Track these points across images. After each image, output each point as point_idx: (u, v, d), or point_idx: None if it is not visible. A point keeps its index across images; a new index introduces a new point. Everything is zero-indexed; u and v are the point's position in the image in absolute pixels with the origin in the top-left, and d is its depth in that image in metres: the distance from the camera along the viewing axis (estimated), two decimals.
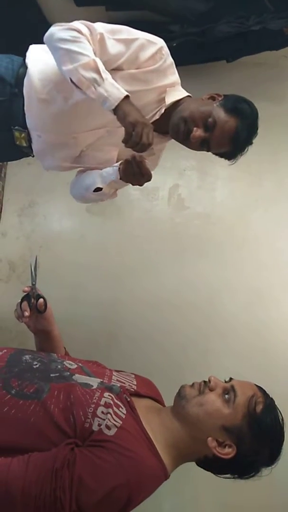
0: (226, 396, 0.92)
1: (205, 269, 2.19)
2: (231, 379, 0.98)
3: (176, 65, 1.23)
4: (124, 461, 0.80)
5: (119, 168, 1.21)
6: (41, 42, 1.14)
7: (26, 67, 1.20)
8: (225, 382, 0.97)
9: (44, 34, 1.11)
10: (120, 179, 1.21)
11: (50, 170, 1.38)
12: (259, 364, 1.97)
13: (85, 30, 1.08)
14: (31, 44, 1.25)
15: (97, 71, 1.04)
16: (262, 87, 2.38)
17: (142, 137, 1.02)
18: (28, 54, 1.23)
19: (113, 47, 1.12)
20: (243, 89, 2.28)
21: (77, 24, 1.09)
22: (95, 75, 1.04)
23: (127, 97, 1.05)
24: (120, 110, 1.04)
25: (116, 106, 1.04)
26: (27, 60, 1.21)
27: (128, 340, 2.11)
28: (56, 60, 1.10)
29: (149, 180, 1.14)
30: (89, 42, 1.08)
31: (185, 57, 1.95)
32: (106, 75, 1.05)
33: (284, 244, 2.21)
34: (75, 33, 1.07)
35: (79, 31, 1.07)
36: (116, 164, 1.23)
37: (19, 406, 0.85)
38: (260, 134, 1.25)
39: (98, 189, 1.29)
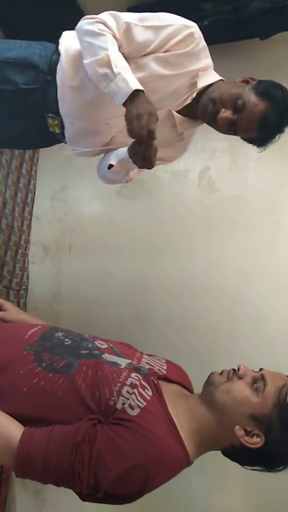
0: (255, 385, 0.91)
1: (235, 253, 2.15)
2: (261, 369, 0.96)
3: (208, 44, 1.21)
4: (144, 442, 0.80)
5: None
6: (74, 29, 1.15)
7: (59, 54, 1.21)
8: (255, 372, 0.96)
9: (76, 20, 1.13)
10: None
11: (82, 156, 1.40)
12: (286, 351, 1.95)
13: (111, 21, 1.09)
14: (64, 30, 1.25)
15: (109, 67, 1.05)
16: None
17: (143, 127, 1.00)
18: (61, 41, 1.23)
19: (141, 35, 1.12)
20: (277, 67, 2.23)
21: (104, 16, 1.10)
22: (107, 71, 1.05)
23: (137, 91, 1.03)
24: (128, 104, 1.05)
25: (125, 101, 1.05)
26: (60, 47, 1.22)
27: (157, 324, 2.12)
28: (82, 52, 1.14)
29: (148, 168, 1.10)
30: (113, 35, 1.09)
31: (217, 36, 1.90)
32: (119, 69, 1.05)
33: None
34: (100, 26, 1.08)
35: (105, 23, 1.08)
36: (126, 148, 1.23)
37: (48, 379, 0.88)
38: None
39: (110, 167, 1.30)
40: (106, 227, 2.37)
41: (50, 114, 1.26)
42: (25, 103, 1.23)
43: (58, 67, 1.21)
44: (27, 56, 1.21)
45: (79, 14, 1.14)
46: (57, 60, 1.21)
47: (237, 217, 2.22)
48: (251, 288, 2.10)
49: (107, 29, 1.08)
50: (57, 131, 1.29)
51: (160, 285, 2.20)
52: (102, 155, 1.42)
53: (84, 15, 1.13)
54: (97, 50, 1.06)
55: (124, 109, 1.22)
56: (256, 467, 0.93)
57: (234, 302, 2.09)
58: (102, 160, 1.39)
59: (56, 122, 1.26)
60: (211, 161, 2.35)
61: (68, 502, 1.98)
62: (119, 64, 1.06)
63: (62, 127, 1.28)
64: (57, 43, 1.24)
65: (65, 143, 1.37)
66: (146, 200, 2.34)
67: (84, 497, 0.83)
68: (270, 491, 1.84)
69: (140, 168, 1.13)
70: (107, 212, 2.42)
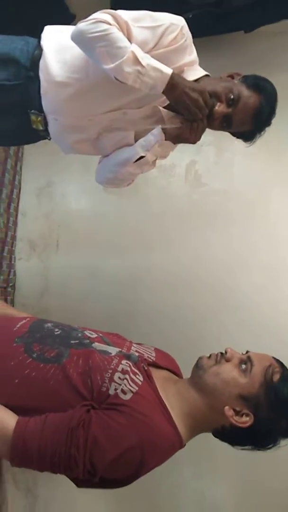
0: (243, 366, 0.94)
1: (223, 246, 2.18)
2: (247, 351, 0.99)
3: (193, 37, 1.21)
4: (138, 424, 0.82)
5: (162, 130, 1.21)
6: (56, 23, 1.13)
7: (41, 49, 1.19)
8: (242, 354, 0.98)
9: (59, 14, 1.10)
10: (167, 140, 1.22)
11: (68, 153, 1.39)
12: (273, 343, 1.97)
13: (111, 19, 1.07)
14: (46, 25, 1.23)
15: (138, 63, 1.04)
16: (282, 57, 2.30)
17: (200, 105, 1.09)
18: (43, 35, 1.21)
19: (139, 35, 1.11)
20: (262, 59, 2.24)
21: (101, 15, 1.07)
22: (137, 67, 1.05)
23: (173, 74, 1.07)
24: (170, 91, 1.07)
25: (164, 89, 1.07)
26: (42, 42, 1.20)
27: (146, 318, 2.14)
28: (93, 59, 1.10)
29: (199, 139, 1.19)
30: (118, 30, 1.07)
31: (202, 28, 1.88)
32: (146, 60, 1.05)
33: None
34: (104, 26, 1.05)
35: (106, 22, 1.06)
36: (156, 130, 1.22)
37: (40, 369, 0.89)
38: (279, 108, 1.22)
39: (139, 159, 1.27)
40: (94, 222, 2.37)
41: (33, 111, 1.24)
42: (7, 100, 1.21)
43: (41, 62, 1.19)
44: (9, 51, 1.19)
45: (63, 8, 1.10)
46: (40, 56, 1.19)
47: (224, 210, 2.25)
48: (237, 277, 2.13)
49: (111, 26, 1.06)
50: (41, 127, 1.28)
51: (149, 279, 2.22)
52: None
53: (68, 9, 1.11)
54: (118, 51, 1.04)
55: (109, 106, 1.21)
56: (246, 446, 0.95)
57: (222, 292, 2.12)
58: (108, 161, 1.35)
59: (39, 118, 1.25)
60: (198, 155, 2.36)
61: (60, 498, 1.99)
62: (143, 55, 1.06)
63: (45, 123, 1.27)
64: (39, 38, 1.22)
65: (50, 139, 1.36)
66: (133, 195, 2.33)
67: (80, 483, 0.84)
68: (260, 481, 1.87)
69: (194, 142, 1.20)
70: (94, 208, 2.41)
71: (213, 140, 2.33)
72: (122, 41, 1.05)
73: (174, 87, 1.07)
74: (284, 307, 2.08)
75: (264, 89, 1.16)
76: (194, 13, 1.87)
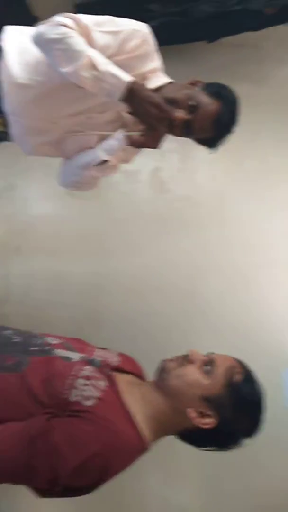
0: (206, 367, 0.94)
1: (187, 251, 2.20)
2: (211, 353, 0.99)
3: (157, 46, 1.21)
4: (100, 430, 0.81)
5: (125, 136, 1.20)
6: (18, 23, 1.11)
7: (1, 50, 1.16)
8: (205, 356, 0.99)
9: (20, 16, 1.08)
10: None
11: (30, 155, 1.36)
12: (240, 345, 1.99)
13: (71, 23, 1.06)
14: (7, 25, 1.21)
15: (95, 68, 1.03)
16: (242, 68, 2.37)
17: (159, 119, 1.08)
18: (3, 36, 1.19)
19: (101, 40, 1.10)
20: (223, 69, 2.29)
21: (62, 18, 1.06)
22: (94, 72, 1.03)
23: (130, 82, 1.05)
24: (128, 98, 1.06)
25: (121, 96, 1.05)
26: (2, 43, 1.17)
27: (111, 324, 2.12)
28: (51, 61, 1.08)
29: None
30: (79, 35, 1.06)
31: (165, 37, 1.91)
32: (104, 66, 1.04)
33: (267, 225, 2.22)
34: (63, 29, 1.04)
35: (66, 26, 1.05)
36: (117, 134, 1.21)
37: None
38: (240, 118, 1.24)
39: (102, 163, 1.26)
40: (57, 227, 2.33)
41: None
42: None
43: (1, 64, 1.16)
44: None
45: (25, 10, 1.08)
46: None
47: (188, 216, 2.27)
48: (202, 284, 2.15)
49: (71, 30, 1.05)
50: (1, 129, 1.24)
51: (113, 285, 2.20)
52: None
53: (30, 11, 1.09)
54: (75, 55, 1.03)
55: (73, 109, 1.20)
56: (210, 448, 0.95)
57: (185, 297, 2.14)
58: (70, 164, 1.33)
59: (0, 120, 1.22)
60: (162, 161, 2.38)
61: (23, 509, 1.92)
62: (102, 61, 1.04)
63: (6, 125, 1.24)
64: None
65: (10, 141, 1.32)
66: (97, 200, 2.31)
67: (41, 493, 0.81)
68: (224, 486, 1.89)
69: (155, 147, 1.19)
70: (57, 212, 2.38)
71: (177, 147, 2.35)
72: (80, 45, 1.04)
73: (132, 95, 1.05)
74: (243, 310, 2.10)
75: (224, 97, 1.18)
76: (158, 22, 1.89)
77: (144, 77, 1.19)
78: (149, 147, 1.20)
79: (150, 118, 1.08)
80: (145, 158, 2.34)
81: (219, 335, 2.02)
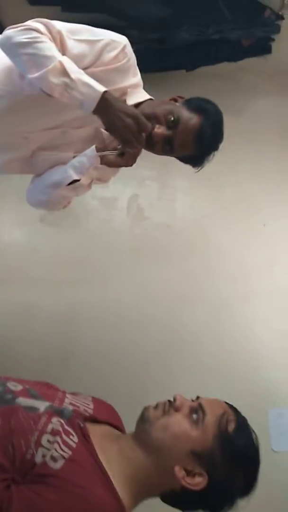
0: (194, 416, 0.82)
1: (166, 281, 2.13)
2: (198, 397, 0.88)
3: None
4: (70, 499, 0.68)
5: (97, 154, 1.11)
6: None
7: None
8: (192, 401, 0.87)
9: None
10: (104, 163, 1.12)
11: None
12: (225, 376, 1.92)
13: (43, 28, 0.99)
14: None
15: (66, 74, 0.95)
16: (220, 98, 2.33)
17: (133, 131, 0.99)
18: None
19: (75, 48, 1.04)
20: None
21: (33, 23, 0.99)
22: (65, 79, 0.95)
23: (105, 93, 0.97)
24: (101, 111, 0.97)
25: (95, 108, 0.97)
26: None
27: (85, 360, 1.99)
28: (19, 67, 1.01)
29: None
30: (50, 40, 0.99)
31: (143, 64, 1.91)
32: (76, 75, 0.96)
33: (246, 254, 2.20)
34: (34, 33, 0.97)
35: (37, 30, 0.98)
36: (89, 151, 1.13)
37: None
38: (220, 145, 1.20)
39: (72, 182, 1.17)
40: (29, 257, 2.22)
41: None
42: None
43: None
44: None
45: None
46: None
47: (166, 245, 2.22)
48: (181, 315, 2.07)
49: (42, 35, 0.98)
50: None
51: (87, 317, 2.09)
52: (25, 176, 1.28)
53: None
54: (44, 60, 0.95)
55: (46, 124, 1.11)
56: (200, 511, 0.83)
57: (165, 330, 2.05)
58: (39, 182, 1.25)
59: None
60: (140, 189, 2.35)
61: None
62: (74, 69, 0.97)
63: None
64: None
65: None
66: (73, 227, 2.24)
67: None
68: None
69: (130, 165, 1.11)
70: (30, 241, 2.27)
71: (156, 175, 2.33)
72: (51, 50, 0.97)
73: (106, 108, 0.98)
74: (227, 342, 2.04)
75: (205, 111, 1.12)
76: (136, 48, 1.87)
77: (124, 92, 1.12)
78: (123, 166, 1.12)
79: (126, 132, 1.00)
80: (123, 185, 2.32)
81: (202, 370, 1.94)
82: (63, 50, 1.02)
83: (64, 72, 0.95)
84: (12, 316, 2.09)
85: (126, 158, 1.10)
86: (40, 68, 0.95)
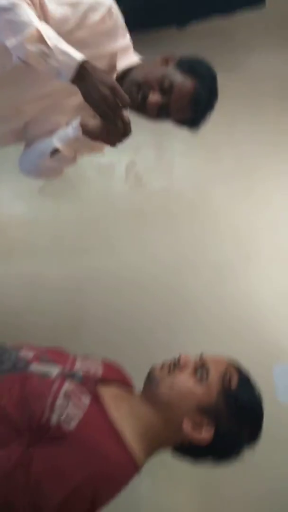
0: (198, 373, 0.88)
1: (167, 246, 2.14)
2: (202, 354, 0.93)
3: None
4: (85, 457, 0.74)
5: (81, 125, 1.09)
6: None
7: None
8: (196, 359, 0.92)
9: None
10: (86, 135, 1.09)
11: None
12: (230, 340, 1.96)
13: None
14: None
15: (43, 41, 0.92)
16: (214, 56, 2.26)
17: (109, 102, 0.95)
18: None
19: (56, 11, 1.00)
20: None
21: None
22: (41, 47, 0.93)
23: (83, 62, 0.94)
24: (79, 80, 0.94)
25: (73, 76, 0.94)
26: None
27: (93, 325, 2.04)
28: None
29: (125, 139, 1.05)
30: (28, 5, 0.95)
31: (131, 23, 1.84)
32: (54, 41, 0.93)
33: (252, 217, 2.17)
34: None
35: None
36: (75, 122, 1.10)
37: None
38: (216, 106, 1.17)
39: (55, 152, 1.14)
40: (30, 228, 2.23)
41: None
42: None
43: None
44: None
45: None
46: None
47: (166, 210, 2.21)
48: (188, 279, 2.09)
49: (20, 0, 0.94)
50: None
51: (92, 285, 2.11)
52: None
53: None
54: (21, 26, 0.92)
55: (36, 93, 1.10)
56: (208, 460, 0.89)
57: (171, 294, 2.07)
58: (29, 151, 1.24)
59: None
60: (137, 155, 2.31)
61: None
62: (52, 36, 0.94)
63: None
64: None
65: None
66: (71, 197, 2.23)
67: None
68: (217, 492, 1.83)
69: (113, 145, 1.06)
70: (29, 212, 2.27)
71: (152, 140, 2.29)
72: (28, 15, 0.93)
73: (83, 77, 0.94)
74: (231, 304, 2.06)
75: (200, 73, 1.10)
76: (122, 7, 1.80)
77: (114, 55, 1.10)
78: (106, 143, 1.08)
79: (102, 103, 0.96)
80: (120, 153, 2.28)
81: (207, 331, 1.97)
82: (44, 15, 0.99)
83: (41, 39, 0.92)
84: (20, 287, 2.12)
85: (107, 134, 1.05)
86: (17, 34, 0.92)
